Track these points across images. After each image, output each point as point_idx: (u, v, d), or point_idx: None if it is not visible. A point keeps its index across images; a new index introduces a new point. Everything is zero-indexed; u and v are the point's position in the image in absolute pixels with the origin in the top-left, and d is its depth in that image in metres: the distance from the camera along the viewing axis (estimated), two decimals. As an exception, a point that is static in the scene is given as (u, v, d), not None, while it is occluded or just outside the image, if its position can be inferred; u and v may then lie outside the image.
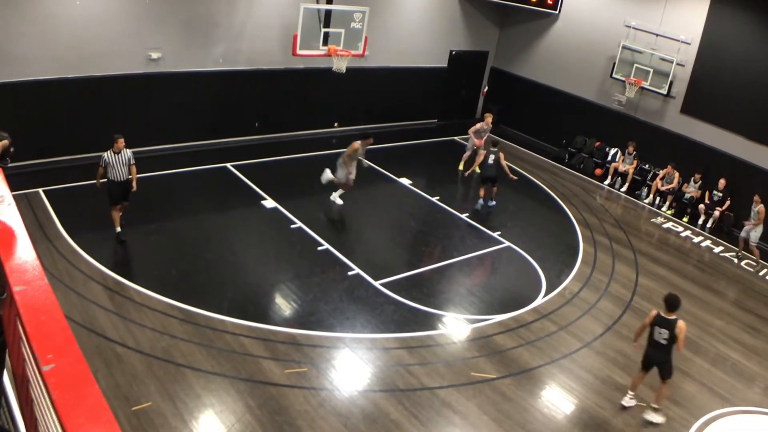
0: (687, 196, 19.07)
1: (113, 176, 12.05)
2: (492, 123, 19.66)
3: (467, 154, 19.42)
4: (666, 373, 10.02)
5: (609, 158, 21.15)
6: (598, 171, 21.15)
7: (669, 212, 19.19)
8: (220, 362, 9.71)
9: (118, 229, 12.44)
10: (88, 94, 15.53)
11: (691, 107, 19.53)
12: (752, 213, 16.30)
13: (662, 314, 9.70)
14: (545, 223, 17.00)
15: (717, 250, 17.28)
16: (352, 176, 15.58)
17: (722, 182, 18.43)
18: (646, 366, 10.16)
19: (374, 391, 9.72)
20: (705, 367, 11.88)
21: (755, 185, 17.96)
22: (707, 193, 18.80)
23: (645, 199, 19.85)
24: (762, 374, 12.05)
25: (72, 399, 3.12)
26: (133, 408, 8.50)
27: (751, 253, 16.48)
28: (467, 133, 19.62)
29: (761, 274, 16.10)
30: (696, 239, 17.78)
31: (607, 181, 20.63)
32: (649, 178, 20.20)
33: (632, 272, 14.95)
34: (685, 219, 18.87)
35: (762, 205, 16.12)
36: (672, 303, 9.67)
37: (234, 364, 9.72)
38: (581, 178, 20.95)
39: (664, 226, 18.37)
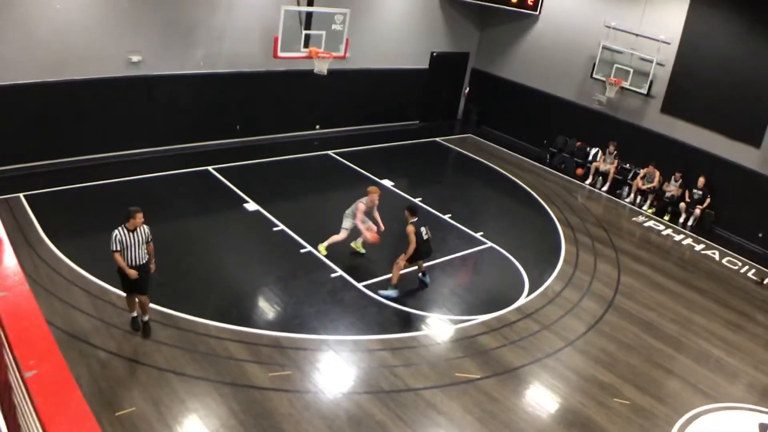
0: (668, 194, 19.19)
1: (125, 260, 9.66)
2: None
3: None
4: None
5: (590, 158, 21.26)
6: (579, 171, 21.25)
7: (650, 211, 19.31)
8: (204, 366, 9.67)
9: (134, 314, 10.29)
10: (69, 98, 15.44)
11: (671, 106, 19.67)
12: None
13: None
14: (527, 224, 17.07)
15: (698, 247, 17.40)
16: None
17: (702, 180, 18.59)
18: None
19: (359, 393, 9.72)
20: (688, 364, 11.96)
21: (735, 183, 18.21)
22: (687, 192, 18.95)
23: (626, 198, 19.97)
24: (744, 370, 12.15)
25: (55, 405, 3.10)
26: (117, 413, 8.45)
27: None
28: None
29: (742, 271, 16.23)
30: (677, 237, 17.90)
31: (589, 181, 20.73)
32: (629, 177, 20.31)
33: (614, 271, 15.02)
34: (666, 217, 18.99)
35: None
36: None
37: (218, 368, 9.69)
38: (562, 178, 21.03)
39: (646, 224, 18.49)
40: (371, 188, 13.47)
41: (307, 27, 16.48)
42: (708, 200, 18.58)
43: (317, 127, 20.87)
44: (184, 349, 9.96)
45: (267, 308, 11.66)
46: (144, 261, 9.83)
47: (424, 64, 23.16)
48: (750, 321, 14.05)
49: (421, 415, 9.45)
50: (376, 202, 13.38)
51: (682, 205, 18.76)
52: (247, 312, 11.40)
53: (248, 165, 17.62)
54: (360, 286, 12.53)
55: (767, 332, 13.68)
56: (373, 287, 12.55)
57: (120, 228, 9.62)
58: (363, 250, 13.75)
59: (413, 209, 12.67)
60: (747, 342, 13.12)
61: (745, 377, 11.98)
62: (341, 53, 17.20)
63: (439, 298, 12.89)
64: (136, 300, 10.04)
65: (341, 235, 13.40)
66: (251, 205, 15.12)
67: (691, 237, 18.03)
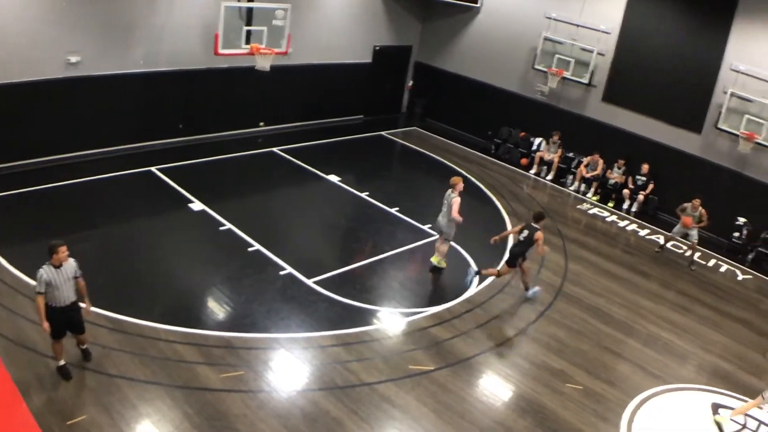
0: (611, 181, 19.50)
1: (54, 301, 8.77)
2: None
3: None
4: None
5: (534, 148, 21.46)
6: (524, 161, 21.46)
7: (594, 198, 19.60)
8: (154, 371, 9.52)
9: (62, 362, 9.24)
10: (6, 102, 15.00)
11: (612, 95, 19.98)
12: (689, 213, 16.04)
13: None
14: (475, 215, 17.08)
15: (643, 233, 17.73)
16: None
17: (645, 167, 18.95)
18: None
19: (313, 390, 9.67)
20: (637, 347, 12.18)
21: (677, 168, 18.58)
22: (631, 178, 19.29)
23: (570, 186, 20.24)
24: (693, 352, 12.41)
25: (1, 419, 3.02)
26: (68, 422, 8.25)
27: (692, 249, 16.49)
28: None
29: (687, 254, 16.54)
30: (622, 223, 18.21)
31: (533, 170, 20.95)
32: (573, 165, 20.59)
33: (562, 258, 15.21)
34: (610, 204, 19.30)
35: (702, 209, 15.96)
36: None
37: (168, 371, 9.54)
38: (507, 168, 21.21)
39: (590, 212, 18.75)
40: (456, 178, 13.43)
41: (248, 23, 16.28)
42: (651, 186, 18.92)
43: (261, 124, 20.69)
44: (133, 354, 9.79)
45: (216, 309, 11.51)
46: (74, 299, 8.98)
47: (367, 59, 23.13)
48: (697, 303, 14.34)
49: (376, 409, 9.45)
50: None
51: (626, 191, 19.09)
52: (196, 313, 11.23)
53: (192, 164, 17.38)
54: (310, 282, 12.46)
55: (715, 314, 14.00)
56: (323, 283, 12.49)
57: (45, 266, 8.69)
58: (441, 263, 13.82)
59: (541, 215, 13.05)
60: (695, 324, 13.41)
61: (694, 358, 12.24)
62: (283, 49, 17.04)
63: (390, 292, 12.89)
64: (62, 346, 9.16)
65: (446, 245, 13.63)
66: (197, 205, 14.93)
67: (636, 222, 18.35)
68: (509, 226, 16.36)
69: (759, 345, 13.05)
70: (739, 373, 12.07)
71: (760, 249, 16.97)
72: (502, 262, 13.13)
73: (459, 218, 13.04)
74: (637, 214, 18.91)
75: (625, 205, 19.17)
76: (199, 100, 18.73)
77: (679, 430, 10.32)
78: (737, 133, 17.30)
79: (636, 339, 12.49)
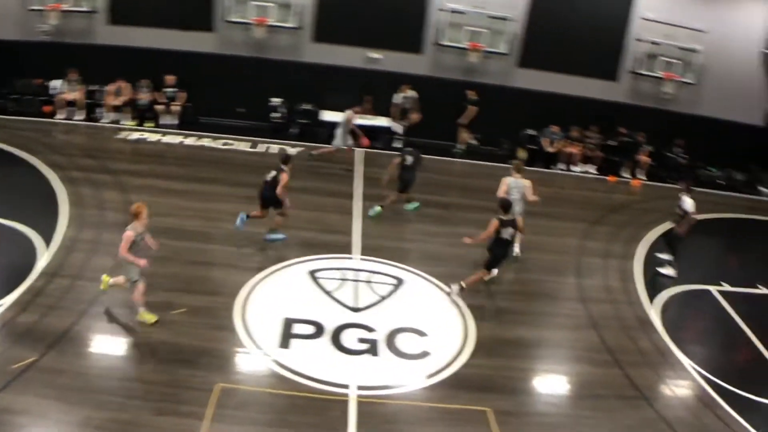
0: (142, 102, 19.38)
1: None
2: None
3: None
4: None
5: (55, 91, 20.12)
6: (47, 108, 20.01)
7: (132, 123, 19.36)
8: None
9: None
10: None
11: (116, 17, 19.78)
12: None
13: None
14: (13, 181, 15.69)
15: (190, 141, 18.22)
16: None
17: (170, 78, 19.31)
18: None
19: None
20: (222, 249, 12.96)
21: (200, 69, 19.46)
22: (160, 93, 19.38)
23: (104, 119, 19.62)
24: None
25: None
26: None
27: None
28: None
29: (240, 148, 17.46)
30: (166, 139, 18.42)
31: (62, 115, 19.74)
32: (103, 98, 19.78)
33: (120, 194, 14.89)
34: (148, 125, 19.27)
35: None
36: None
37: None
38: (33, 121, 19.45)
39: (132, 138, 18.56)
40: (138, 206, 10.76)
41: None
42: (183, 95, 19.30)
43: None
44: None
45: None
46: None
47: None
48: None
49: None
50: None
51: (159, 107, 19.21)
52: None
53: None
54: None
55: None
56: None
57: None
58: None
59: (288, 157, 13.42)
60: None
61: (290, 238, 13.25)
62: None
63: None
64: None
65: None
66: None
67: (181, 134, 18.66)
68: (55, 181, 15.40)
69: (337, 206, 14.37)
70: (320, 235, 13.50)
71: (299, 121, 18.49)
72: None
73: (132, 258, 10.43)
74: (178, 125, 19.19)
75: (164, 120, 19.30)
76: None
77: (291, 304, 11.37)
78: (247, 21, 18.46)
79: (217, 242, 13.06)
